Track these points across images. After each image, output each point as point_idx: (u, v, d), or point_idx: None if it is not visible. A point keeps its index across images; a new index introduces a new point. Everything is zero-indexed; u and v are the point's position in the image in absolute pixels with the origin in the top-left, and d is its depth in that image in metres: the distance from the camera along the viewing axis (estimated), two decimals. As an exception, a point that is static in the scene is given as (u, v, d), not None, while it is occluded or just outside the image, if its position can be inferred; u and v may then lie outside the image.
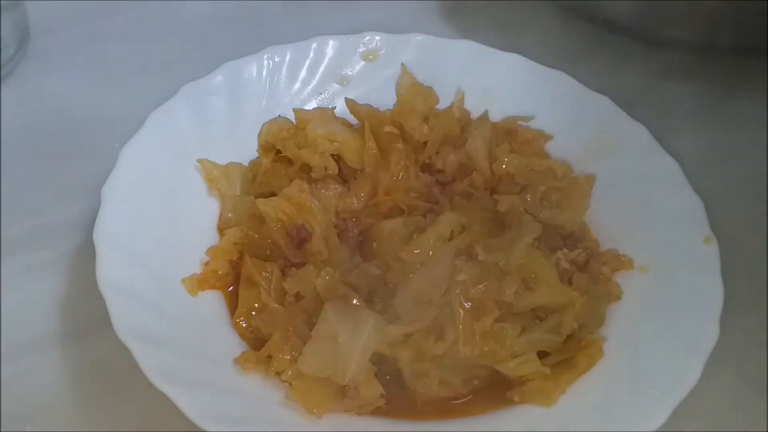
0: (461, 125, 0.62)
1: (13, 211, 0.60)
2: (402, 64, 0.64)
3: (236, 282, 0.54)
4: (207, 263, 0.55)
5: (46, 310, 0.55)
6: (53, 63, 0.70)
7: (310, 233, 0.53)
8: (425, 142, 0.60)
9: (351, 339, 0.48)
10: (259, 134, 0.59)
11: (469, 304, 0.51)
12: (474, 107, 0.64)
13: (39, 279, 0.56)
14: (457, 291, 0.51)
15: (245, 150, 0.60)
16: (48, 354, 0.53)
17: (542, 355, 0.53)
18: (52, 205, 0.60)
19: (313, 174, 0.56)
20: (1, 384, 0.51)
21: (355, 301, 0.51)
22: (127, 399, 0.51)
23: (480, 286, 0.51)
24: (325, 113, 0.59)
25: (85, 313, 0.55)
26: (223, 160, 0.59)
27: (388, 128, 0.57)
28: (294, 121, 0.59)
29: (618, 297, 0.56)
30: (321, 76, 0.64)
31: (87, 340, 0.54)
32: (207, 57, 0.64)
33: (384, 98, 0.64)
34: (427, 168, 0.58)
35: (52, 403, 0.51)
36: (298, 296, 0.52)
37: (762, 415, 0.54)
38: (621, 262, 0.58)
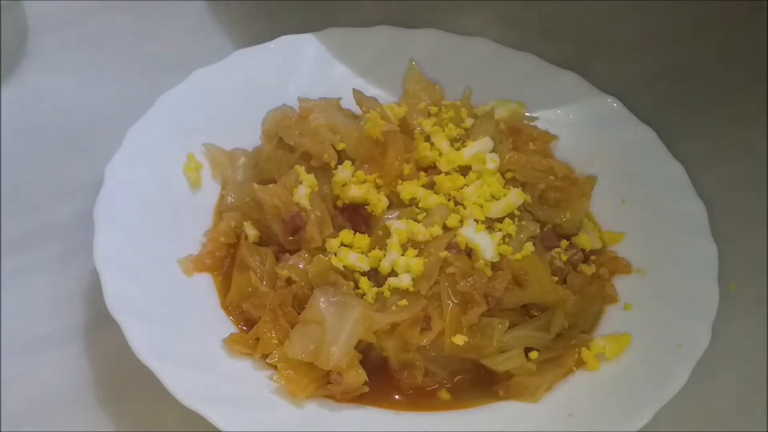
0: (466, 122, 0.62)
1: (12, 211, 0.59)
2: (410, 59, 0.65)
3: (232, 265, 0.55)
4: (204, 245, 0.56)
5: (46, 310, 0.55)
6: (52, 62, 0.68)
7: (305, 221, 0.53)
8: (428, 136, 0.60)
9: (337, 325, 0.49)
10: (263, 121, 0.60)
11: (457, 297, 0.51)
12: (481, 104, 0.64)
13: (39, 279, 0.56)
14: (446, 284, 0.51)
15: (251, 137, 0.61)
16: (48, 354, 0.53)
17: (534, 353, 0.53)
18: (51, 205, 0.60)
19: (312, 162, 0.56)
20: (1, 384, 0.51)
21: (345, 289, 0.51)
22: (127, 399, 0.51)
23: (469, 280, 0.51)
24: (329, 103, 0.59)
25: (85, 313, 0.55)
26: (228, 146, 0.60)
27: (388, 125, 0.57)
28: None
29: (614, 299, 0.56)
30: (330, 67, 0.65)
31: (87, 340, 0.54)
32: (208, 56, 0.63)
33: (392, 91, 0.64)
34: (426, 162, 0.58)
35: (52, 403, 0.51)
36: (289, 281, 0.52)
37: (762, 415, 0.54)
38: (619, 265, 0.58)
